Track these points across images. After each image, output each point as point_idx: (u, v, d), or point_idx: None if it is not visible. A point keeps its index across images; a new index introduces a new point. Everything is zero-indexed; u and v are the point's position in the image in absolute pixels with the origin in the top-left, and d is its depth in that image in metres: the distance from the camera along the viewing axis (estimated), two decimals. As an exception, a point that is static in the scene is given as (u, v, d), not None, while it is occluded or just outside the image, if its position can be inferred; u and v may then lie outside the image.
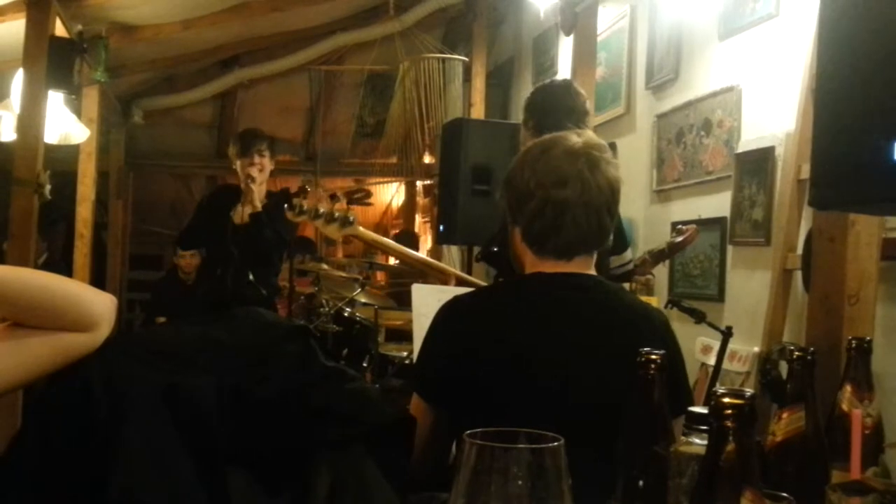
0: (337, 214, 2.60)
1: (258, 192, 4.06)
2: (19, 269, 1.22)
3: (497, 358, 1.57)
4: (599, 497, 0.98)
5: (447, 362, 1.62)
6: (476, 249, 4.80)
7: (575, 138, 1.66)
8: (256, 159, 4.02)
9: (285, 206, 2.64)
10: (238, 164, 4.08)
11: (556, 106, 3.00)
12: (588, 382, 1.54)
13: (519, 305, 1.64)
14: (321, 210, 2.59)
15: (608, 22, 5.01)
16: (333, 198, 2.70)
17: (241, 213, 4.02)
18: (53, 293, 1.22)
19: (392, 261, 8.77)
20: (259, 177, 4.05)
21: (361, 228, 2.69)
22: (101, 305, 1.27)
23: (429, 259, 2.83)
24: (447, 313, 1.67)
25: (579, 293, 1.63)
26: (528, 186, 1.62)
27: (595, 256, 1.69)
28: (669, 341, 1.64)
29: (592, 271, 1.69)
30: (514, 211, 1.68)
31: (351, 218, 2.61)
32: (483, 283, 2.80)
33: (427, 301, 2.35)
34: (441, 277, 2.82)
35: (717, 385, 3.14)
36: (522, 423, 0.75)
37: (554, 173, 1.60)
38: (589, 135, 1.71)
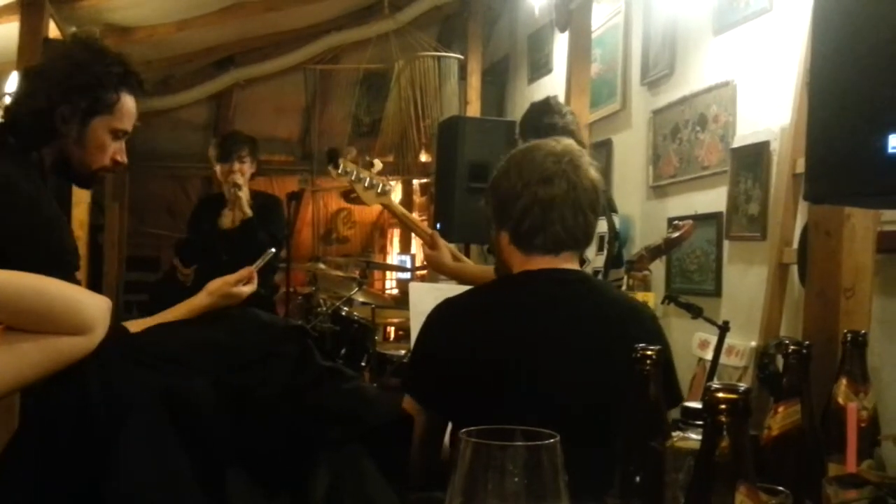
0: (376, 181, 2.64)
1: (244, 196, 4.02)
2: (12, 272, 1.21)
3: (488, 358, 1.58)
4: (596, 493, 0.98)
5: (439, 364, 1.63)
6: (473, 247, 4.82)
7: (554, 144, 1.71)
8: (237, 166, 3.94)
9: (329, 165, 2.66)
10: (218, 169, 4.00)
11: (536, 127, 3.10)
12: (580, 378, 1.55)
13: (507, 304, 1.66)
14: (362, 175, 2.63)
15: (603, 18, 5.01)
16: (371, 165, 2.72)
17: (230, 217, 3.98)
18: (48, 297, 1.22)
19: (389, 260, 8.78)
20: (242, 182, 4.01)
21: (395, 202, 2.74)
22: (96, 308, 1.27)
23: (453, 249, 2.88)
24: (438, 315, 1.69)
25: (564, 287, 1.66)
26: (514, 187, 1.66)
27: (581, 255, 1.72)
28: (659, 334, 1.67)
29: (577, 266, 1.72)
30: (500, 214, 1.71)
31: (388, 187, 2.67)
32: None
33: (424, 299, 2.36)
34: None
35: (714, 380, 3.15)
36: (517, 421, 0.75)
37: (539, 172, 1.65)
38: (568, 141, 1.75)
